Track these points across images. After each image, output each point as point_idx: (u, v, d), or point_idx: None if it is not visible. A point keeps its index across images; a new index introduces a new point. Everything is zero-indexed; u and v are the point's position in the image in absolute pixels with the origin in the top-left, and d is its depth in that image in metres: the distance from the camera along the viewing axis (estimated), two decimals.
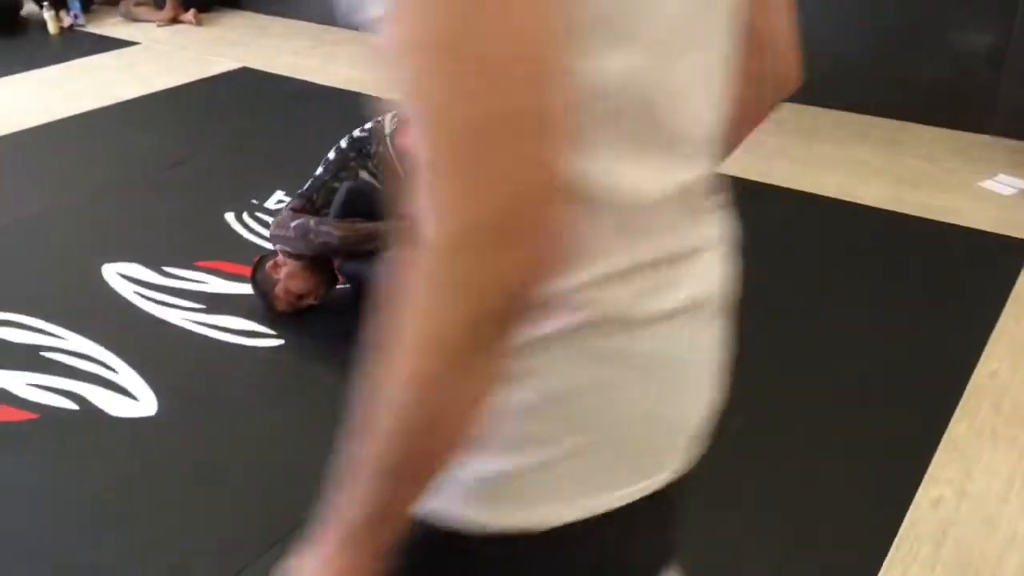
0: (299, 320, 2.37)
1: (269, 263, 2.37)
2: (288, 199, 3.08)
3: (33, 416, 2.05)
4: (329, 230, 2.20)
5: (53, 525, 1.75)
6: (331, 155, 2.38)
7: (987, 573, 1.57)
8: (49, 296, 2.54)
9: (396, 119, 2.28)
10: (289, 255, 2.31)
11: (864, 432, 1.93)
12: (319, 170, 2.38)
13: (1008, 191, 3.04)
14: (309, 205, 2.31)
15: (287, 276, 2.32)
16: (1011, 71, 3.38)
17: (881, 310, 2.38)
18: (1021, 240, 2.72)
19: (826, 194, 3.06)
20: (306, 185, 2.38)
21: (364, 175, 2.29)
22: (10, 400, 2.10)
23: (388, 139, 2.27)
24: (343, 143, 2.37)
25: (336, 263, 2.33)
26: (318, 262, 2.32)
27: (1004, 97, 3.43)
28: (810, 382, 2.10)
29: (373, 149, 2.29)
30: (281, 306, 2.37)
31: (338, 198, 2.26)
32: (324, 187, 2.32)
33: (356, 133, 2.36)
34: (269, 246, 2.73)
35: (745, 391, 2.02)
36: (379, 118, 2.34)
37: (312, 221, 2.23)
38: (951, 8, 3.42)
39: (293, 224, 2.25)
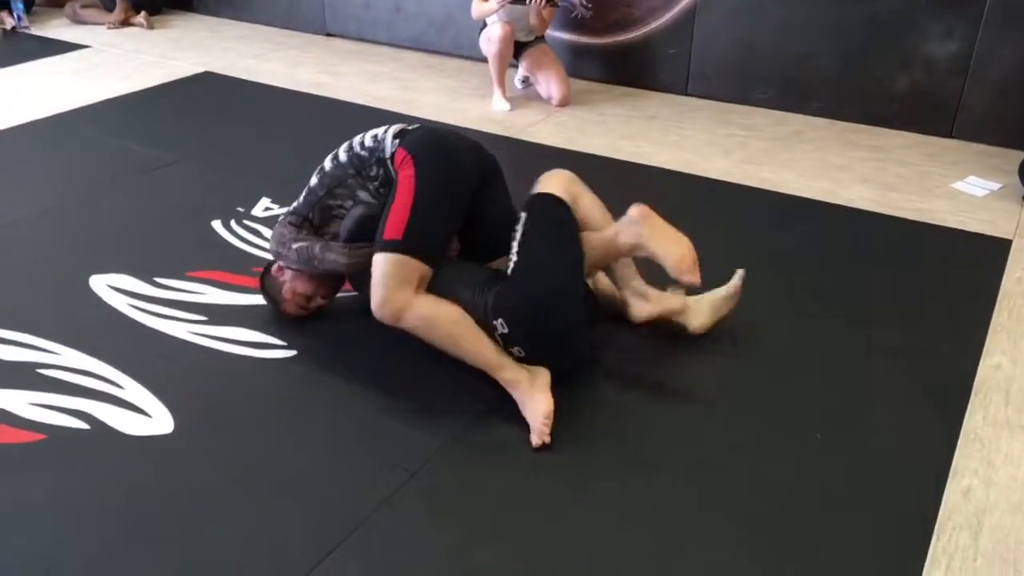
0: (309, 329, 2.31)
1: (275, 267, 2.32)
2: (275, 207, 3.02)
3: (40, 437, 1.94)
4: (336, 258, 2.15)
5: (74, 549, 1.67)
6: (327, 165, 2.25)
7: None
8: (36, 310, 2.42)
9: (396, 140, 2.17)
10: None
11: (886, 432, 1.98)
12: (313, 181, 2.26)
13: (980, 192, 3.18)
14: (307, 224, 2.23)
15: (292, 278, 2.27)
16: (975, 78, 3.53)
17: (878, 311, 2.45)
18: (1000, 239, 2.84)
19: (812, 197, 3.15)
20: (301, 197, 2.28)
21: (363, 195, 2.19)
22: (12, 421, 1.99)
23: (389, 161, 2.15)
24: (342, 155, 2.24)
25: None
26: None
27: (969, 103, 3.58)
28: (819, 386, 2.15)
29: (374, 172, 2.18)
30: (291, 309, 2.31)
31: (347, 223, 2.18)
32: (319, 204, 2.22)
33: (356, 148, 2.22)
34: (260, 254, 2.68)
35: (757, 397, 2.08)
36: (378, 135, 2.21)
37: (317, 247, 2.17)
38: (920, 20, 3.56)
39: (295, 247, 2.18)
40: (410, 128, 2.23)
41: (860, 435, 1.96)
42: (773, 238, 2.87)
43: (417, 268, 2.01)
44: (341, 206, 2.22)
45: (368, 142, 2.22)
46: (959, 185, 3.23)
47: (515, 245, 2.07)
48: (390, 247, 2.01)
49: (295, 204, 2.29)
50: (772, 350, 2.26)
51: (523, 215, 2.11)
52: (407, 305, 2.00)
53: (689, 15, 4.06)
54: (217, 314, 2.40)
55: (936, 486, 1.81)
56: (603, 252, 2.12)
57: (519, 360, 2.02)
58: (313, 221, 2.24)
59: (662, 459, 1.90)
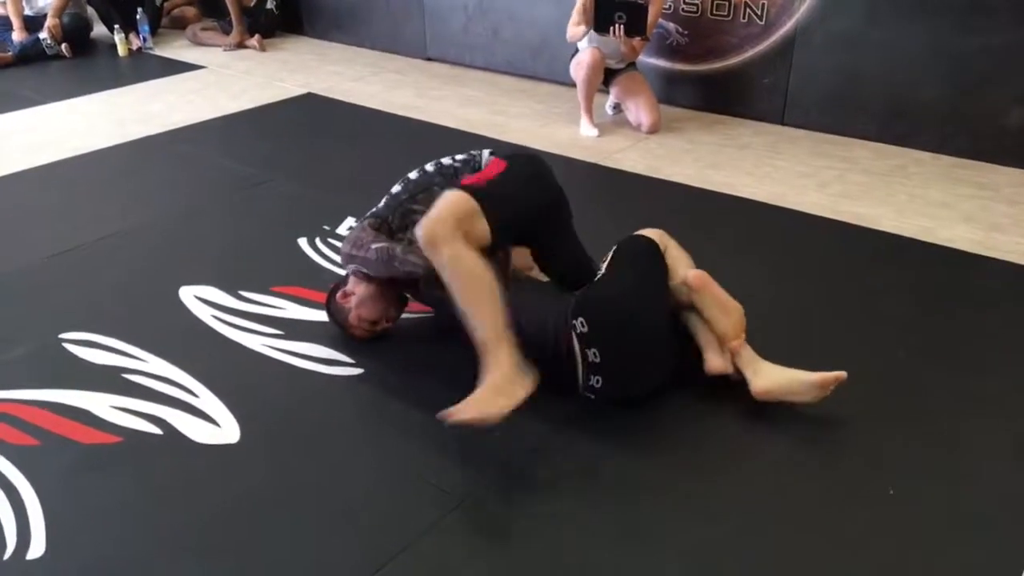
0: (378, 349, 2.35)
1: (339, 293, 2.36)
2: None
3: (117, 439, 2.04)
4: (416, 260, 2.11)
5: (139, 551, 1.74)
6: (412, 175, 2.33)
7: None
8: (129, 318, 2.55)
9: (491, 154, 2.29)
10: (362, 277, 2.29)
11: (968, 493, 1.84)
12: (396, 188, 2.32)
13: None
14: (385, 226, 2.26)
15: (357, 304, 2.30)
16: None
17: (975, 361, 2.30)
18: None
19: (910, 235, 2.99)
20: (381, 202, 2.33)
21: None
22: (94, 422, 2.10)
23: (482, 168, 2.26)
24: (429, 167, 2.34)
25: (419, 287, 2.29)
26: (387, 285, 2.28)
27: None
28: (901, 437, 2.02)
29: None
30: (358, 333, 2.36)
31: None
32: (400, 208, 2.26)
33: (446, 161, 2.33)
34: (341, 271, 2.74)
35: (830, 443, 1.97)
36: (473, 152, 2.32)
37: (398, 249, 2.15)
38: None
39: (375, 247, 2.18)
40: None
41: (939, 494, 1.84)
42: (864, 277, 2.73)
43: (479, 220, 1.98)
44: (423, 212, 2.15)
45: (460, 156, 2.33)
46: None
47: (603, 264, 2.12)
48: (467, 188, 2.06)
49: (374, 208, 2.34)
50: (854, 395, 2.14)
51: (615, 247, 2.16)
52: (450, 238, 1.93)
53: (788, 42, 3.95)
54: (293, 329, 2.48)
55: (1018, 562, 1.67)
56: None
57: (593, 365, 1.99)
58: (392, 224, 2.26)
59: (722, 505, 1.83)
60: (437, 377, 2.21)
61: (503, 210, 2.05)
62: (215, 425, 2.09)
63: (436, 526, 1.77)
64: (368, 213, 2.34)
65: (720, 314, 2.06)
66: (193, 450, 2.01)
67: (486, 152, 2.31)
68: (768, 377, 2.04)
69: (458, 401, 1.83)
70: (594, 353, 1.99)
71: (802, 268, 2.81)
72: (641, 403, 2.08)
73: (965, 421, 2.06)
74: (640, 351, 2.04)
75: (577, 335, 1.99)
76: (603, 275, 2.10)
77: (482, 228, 2.00)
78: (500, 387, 1.83)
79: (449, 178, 2.26)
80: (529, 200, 2.16)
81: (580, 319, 1.98)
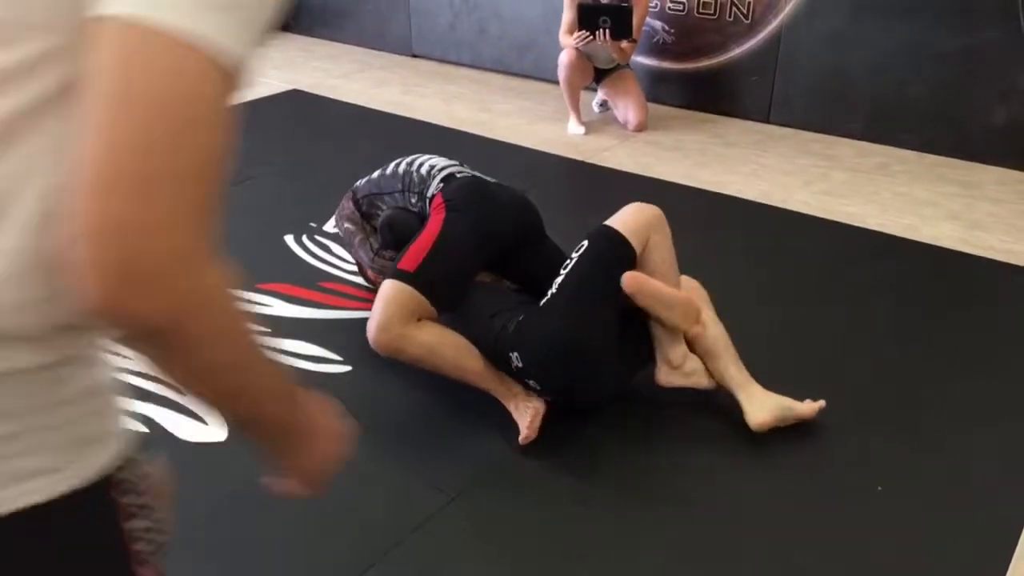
0: (366, 346, 2.33)
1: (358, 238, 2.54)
2: None
3: None
4: (362, 257, 2.40)
5: None
6: (389, 168, 2.44)
7: None
8: None
9: (441, 184, 2.26)
10: None
11: (955, 490, 1.87)
12: (376, 173, 2.47)
13: None
14: (358, 206, 2.47)
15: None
16: None
17: (960, 358, 2.32)
18: None
19: (894, 233, 3.01)
20: (363, 180, 2.49)
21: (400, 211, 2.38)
22: None
23: (428, 200, 2.27)
24: (403, 166, 2.40)
25: None
26: None
27: None
28: (887, 434, 2.04)
29: (414, 200, 2.33)
30: (373, 278, 2.51)
31: (380, 223, 2.38)
32: (369, 198, 2.44)
33: (414, 168, 2.36)
34: (328, 268, 2.77)
35: (816, 441, 1.99)
36: (433, 170, 2.33)
37: (357, 239, 2.42)
38: (1019, 50, 3.38)
39: (345, 225, 2.45)
40: (458, 175, 2.28)
41: (927, 490, 1.85)
42: (849, 275, 2.75)
43: (421, 304, 2.03)
44: (383, 211, 2.41)
45: (423, 170, 2.34)
46: None
47: (562, 273, 2.04)
48: (401, 276, 2.05)
49: (361, 181, 2.50)
50: (838, 393, 2.16)
51: (584, 244, 2.07)
52: (409, 334, 2.01)
53: (774, 41, 3.97)
54: (280, 326, 2.46)
55: (1003, 558, 1.68)
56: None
57: (536, 390, 2.02)
58: (361, 207, 2.46)
59: (712, 506, 1.84)
60: (421, 374, 2.20)
61: (440, 285, 2.07)
62: (201, 423, 2.07)
63: (426, 523, 1.77)
64: (355, 184, 2.51)
65: (664, 310, 1.96)
66: (180, 448, 1.99)
67: (436, 179, 2.28)
68: (764, 408, 1.99)
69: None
70: (533, 383, 2.01)
71: (787, 266, 2.83)
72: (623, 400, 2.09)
73: (950, 418, 2.08)
74: (577, 376, 1.99)
75: (513, 367, 2.00)
76: (551, 297, 2.00)
77: (427, 310, 2.05)
78: (523, 405, 2.00)
79: (405, 190, 2.34)
80: (469, 263, 2.16)
81: (515, 354, 1.98)
